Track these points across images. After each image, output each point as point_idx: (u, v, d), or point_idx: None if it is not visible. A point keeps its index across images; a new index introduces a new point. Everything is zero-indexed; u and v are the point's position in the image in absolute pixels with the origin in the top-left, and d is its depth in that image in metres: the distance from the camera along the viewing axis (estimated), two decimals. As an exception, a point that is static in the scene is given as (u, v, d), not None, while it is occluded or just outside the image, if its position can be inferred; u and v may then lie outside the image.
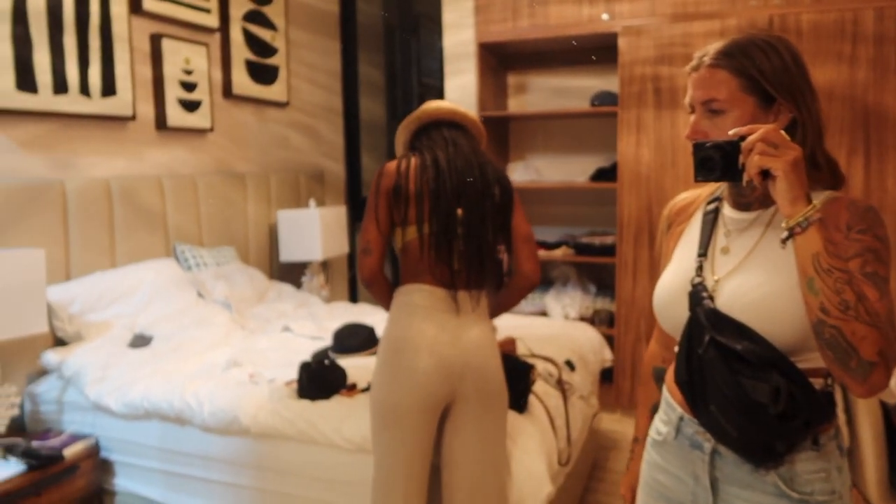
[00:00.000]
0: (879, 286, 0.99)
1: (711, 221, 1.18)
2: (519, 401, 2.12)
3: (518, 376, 2.13)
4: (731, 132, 1.03)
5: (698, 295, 1.11)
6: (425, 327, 1.81)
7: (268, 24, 3.96)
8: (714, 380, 1.04)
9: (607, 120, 3.96)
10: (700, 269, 1.14)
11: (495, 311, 2.00)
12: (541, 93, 4.35)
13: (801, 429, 1.03)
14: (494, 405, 1.86)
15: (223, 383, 2.34)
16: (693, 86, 1.12)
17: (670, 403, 1.22)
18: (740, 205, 1.16)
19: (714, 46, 1.12)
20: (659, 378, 1.36)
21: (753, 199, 1.13)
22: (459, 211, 1.85)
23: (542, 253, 4.07)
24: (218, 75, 3.63)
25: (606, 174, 3.92)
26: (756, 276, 1.08)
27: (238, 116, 3.81)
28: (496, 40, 3.91)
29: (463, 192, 1.86)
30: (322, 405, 2.16)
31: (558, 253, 4.04)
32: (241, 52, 3.74)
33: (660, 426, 1.25)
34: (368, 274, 1.89)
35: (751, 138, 0.98)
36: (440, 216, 1.84)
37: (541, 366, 2.47)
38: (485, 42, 3.92)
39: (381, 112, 5.35)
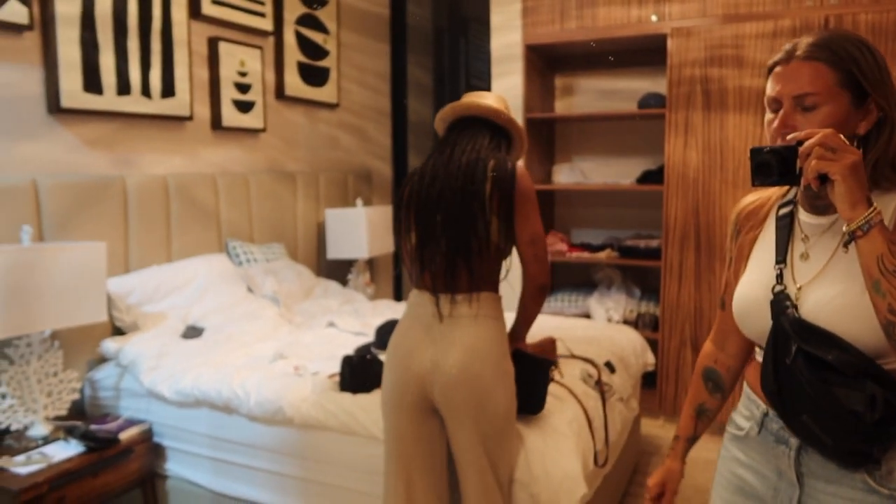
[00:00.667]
0: None
1: (787, 227, 1.16)
2: (530, 401, 2.04)
3: (531, 375, 2.04)
4: (789, 137, 1.03)
5: (781, 304, 1.10)
6: (410, 331, 1.90)
7: (320, 27, 4.06)
8: (804, 389, 1.03)
9: (654, 122, 3.93)
10: (780, 276, 1.13)
11: (521, 318, 2.03)
12: (588, 94, 4.34)
13: (893, 434, 1.02)
14: (479, 412, 1.82)
15: (269, 375, 2.42)
16: (781, 80, 1.09)
17: (753, 399, 1.22)
18: (817, 208, 1.14)
19: (805, 40, 1.09)
20: (709, 379, 1.37)
21: (830, 202, 1.05)
22: (440, 217, 1.86)
23: (586, 255, 4.07)
24: (271, 77, 3.75)
25: (653, 176, 3.89)
26: (839, 283, 1.06)
27: (289, 117, 3.92)
28: (543, 42, 3.92)
29: (444, 197, 1.86)
30: (362, 398, 2.22)
31: (602, 255, 4.03)
32: (293, 55, 3.85)
33: (741, 422, 1.25)
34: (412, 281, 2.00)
35: (809, 142, 0.98)
36: (420, 224, 1.90)
37: (580, 367, 2.47)
38: (531, 44, 3.94)
39: (429, 114, 5.41)
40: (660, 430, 3.63)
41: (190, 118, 3.18)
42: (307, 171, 4.04)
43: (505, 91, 3.97)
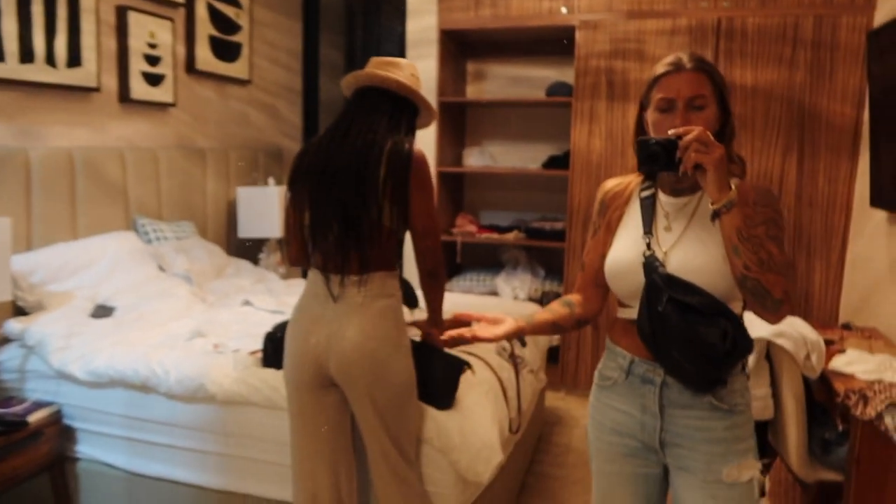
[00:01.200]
0: (780, 245, 1.30)
1: (651, 206, 1.43)
2: (442, 398, 2.08)
3: (445, 373, 2.10)
4: (670, 132, 1.27)
5: (652, 264, 1.36)
6: (307, 310, 1.93)
7: (233, 0, 3.97)
8: (675, 329, 1.29)
9: (561, 110, 4.12)
10: (649, 244, 1.39)
11: (427, 305, 2.07)
12: (498, 81, 4.48)
13: (738, 359, 1.34)
14: (375, 386, 1.85)
15: (188, 352, 2.41)
16: (676, 85, 1.34)
17: (619, 353, 1.48)
18: (676, 191, 1.42)
19: (688, 54, 1.37)
20: (566, 304, 1.56)
21: (687, 186, 1.41)
22: (333, 199, 1.84)
23: (494, 236, 4.22)
24: (182, 50, 3.64)
25: (558, 162, 4.08)
26: (695, 247, 1.36)
27: (200, 92, 3.82)
28: (458, 28, 4.01)
29: (337, 180, 1.83)
30: (287, 374, 2.25)
31: (510, 237, 4.19)
32: (205, 28, 3.75)
33: (608, 373, 1.50)
34: (289, 261, 2.05)
35: (687, 138, 1.23)
36: (314, 204, 1.88)
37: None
38: (447, 29, 4.02)
39: (340, 93, 5.39)
40: (561, 402, 3.85)
41: (97, 89, 3.05)
42: (217, 148, 3.96)
43: (420, 74, 4.03)
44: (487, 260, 4.51)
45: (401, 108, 1.96)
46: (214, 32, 3.83)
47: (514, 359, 2.56)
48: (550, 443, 3.35)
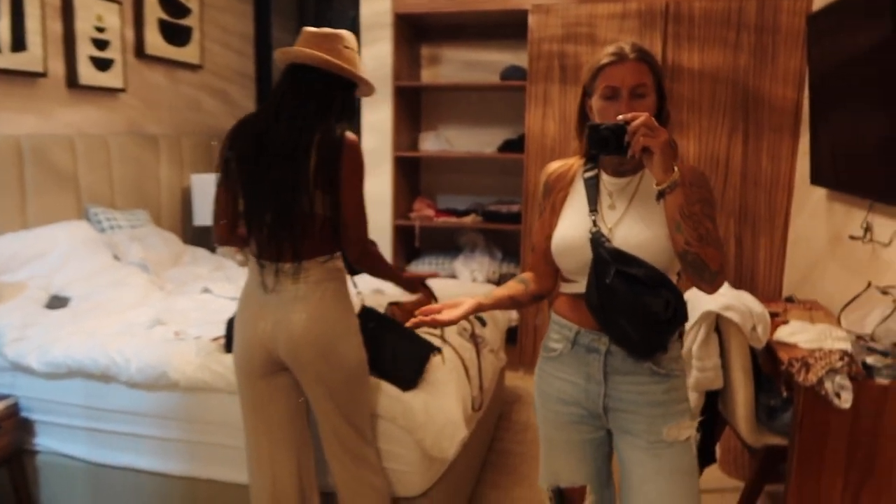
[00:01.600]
0: (713, 221, 1.40)
1: (594, 186, 1.52)
2: (407, 379, 2.12)
3: (412, 354, 2.12)
4: (619, 118, 1.34)
5: (599, 240, 1.45)
6: (251, 297, 1.94)
7: (181, -17, 3.90)
8: (621, 300, 1.39)
9: (516, 93, 4.17)
10: (595, 221, 1.47)
11: (382, 277, 2.09)
12: (453, 65, 4.50)
13: (678, 326, 1.44)
14: (325, 369, 1.86)
15: (149, 340, 2.39)
16: (620, 74, 1.41)
17: (564, 324, 1.56)
18: (618, 172, 1.52)
19: (629, 44, 1.44)
20: (521, 281, 1.65)
21: (629, 168, 1.50)
22: (265, 188, 1.81)
23: (452, 220, 4.26)
24: (130, 34, 3.56)
25: (514, 145, 4.14)
26: (638, 223, 1.46)
27: (150, 77, 3.75)
28: (412, 11, 4.02)
29: (270, 168, 1.79)
30: (251, 359, 2.26)
31: (467, 220, 4.24)
32: (154, 12, 3.67)
33: (553, 345, 1.59)
34: (217, 239, 2.04)
35: (635, 123, 1.30)
36: (247, 191, 1.85)
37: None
38: (401, 13, 4.02)
39: (294, 78, 5.33)
40: (520, 381, 3.94)
41: (43, 74, 2.97)
42: (170, 135, 3.89)
43: (374, 59, 4.03)
44: (445, 244, 4.56)
45: (334, 85, 1.86)
46: (164, 16, 3.76)
47: (475, 338, 2.61)
48: (510, 420, 3.44)
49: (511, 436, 3.27)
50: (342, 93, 1.89)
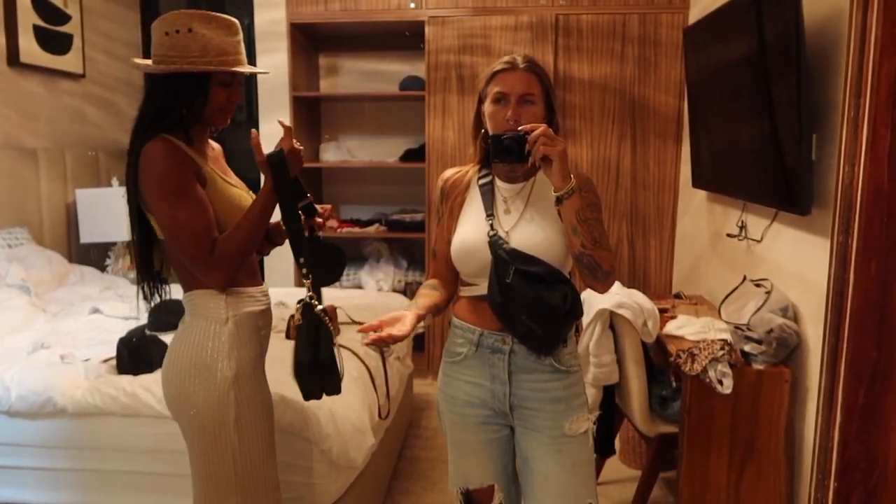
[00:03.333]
0: (602, 225, 1.49)
1: (489, 192, 1.59)
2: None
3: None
4: (520, 129, 1.42)
5: (497, 242, 1.51)
6: None
7: (58, -12, 3.70)
8: (522, 296, 1.45)
9: (415, 103, 4.21)
10: (492, 225, 1.53)
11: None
12: (352, 75, 4.50)
13: (576, 318, 1.52)
14: (176, 413, 1.70)
15: (31, 366, 2.25)
16: (511, 81, 1.49)
17: (466, 328, 1.60)
18: (510, 179, 1.59)
19: (521, 55, 1.53)
20: (433, 288, 1.64)
21: (520, 175, 1.58)
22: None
23: (356, 230, 4.24)
24: (2, 41, 3.34)
25: (415, 154, 4.17)
26: (533, 225, 1.53)
27: (26, 87, 3.53)
28: (307, 21, 3.98)
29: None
30: (145, 379, 2.17)
31: (371, 230, 4.24)
32: (28, 17, 3.46)
33: (457, 349, 1.62)
34: None
35: (535, 133, 1.38)
36: None
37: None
38: (296, 22, 3.98)
39: (187, 88, 5.17)
40: (429, 388, 3.96)
41: None
42: (50, 148, 3.67)
43: (271, 68, 3.96)
44: (350, 254, 4.52)
45: (175, 84, 1.56)
46: (40, 22, 3.55)
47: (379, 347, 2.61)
48: (420, 427, 3.45)
49: (421, 442, 3.28)
50: (187, 92, 1.57)
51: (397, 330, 1.43)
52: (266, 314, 1.76)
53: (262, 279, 1.79)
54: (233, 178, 1.76)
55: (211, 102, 1.59)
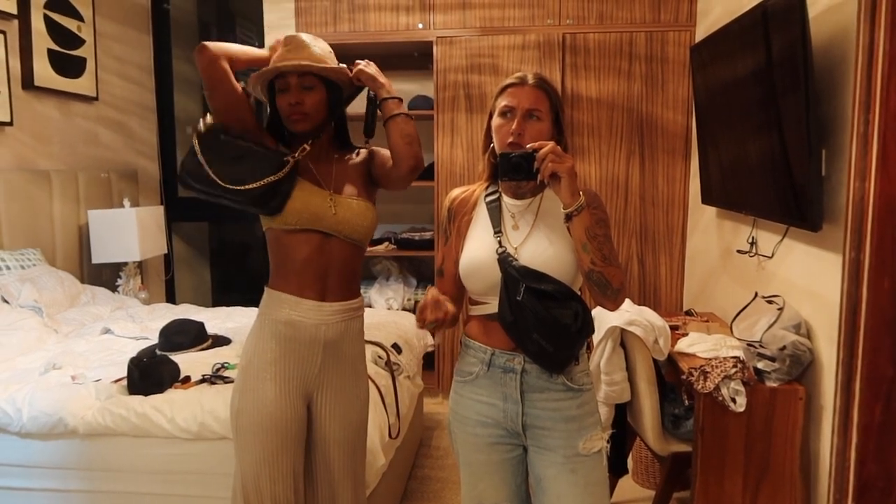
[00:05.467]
0: (611, 241, 1.48)
1: (497, 209, 1.58)
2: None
3: None
4: (528, 146, 1.43)
5: (506, 260, 1.50)
6: None
7: (73, 12, 3.75)
8: (533, 315, 1.43)
9: (424, 123, 4.22)
10: (500, 242, 1.53)
11: None
12: (361, 96, 4.51)
13: (588, 336, 1.50)
14: None
15: (43, 386, 2.25)
16: (518, 96, 1.50)
17: (478, 347, 1.59)
18: (518, 195, 1.59)
19: (531, 72, 1.54)
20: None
21: (528, 191, 1.58)
22: None
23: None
24: (17, 65, 3.39)
25: (423, 173, 4.15)
26: (542, 242, 1.52)
27: (40, 110, 3.58)
28: (317, 43, 4.02)
29: None
30: (156, 399, 2.17)
31: (380, 248, 4.24)
32: (43, 42, 3.51)
33: (468, 368, 1.61)
34: None
35: (544, 150, 1.39)
36: None
37: (370, 349, 2.64)
38: (306, 44, 4.01)
39: (198, 109, 5.22)
40: (439, 407, 3.94)
41: (-80, 109, 2.79)
42: (64, 170, 3.71)
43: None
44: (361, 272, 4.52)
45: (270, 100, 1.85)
46: (54, 46, 3.60)
47: (389, 366, 2.61)
48: (431, 447, 3.43)
49: (432, 462, 3.26)
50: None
51: (450, 307, 1.46)
52: (304, 327, 1.76)
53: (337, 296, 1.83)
54: (346, 189, 1.86)
55: (280, 111, 1.77)
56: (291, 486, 1.76)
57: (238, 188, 1.67)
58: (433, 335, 1.64)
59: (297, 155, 1.73)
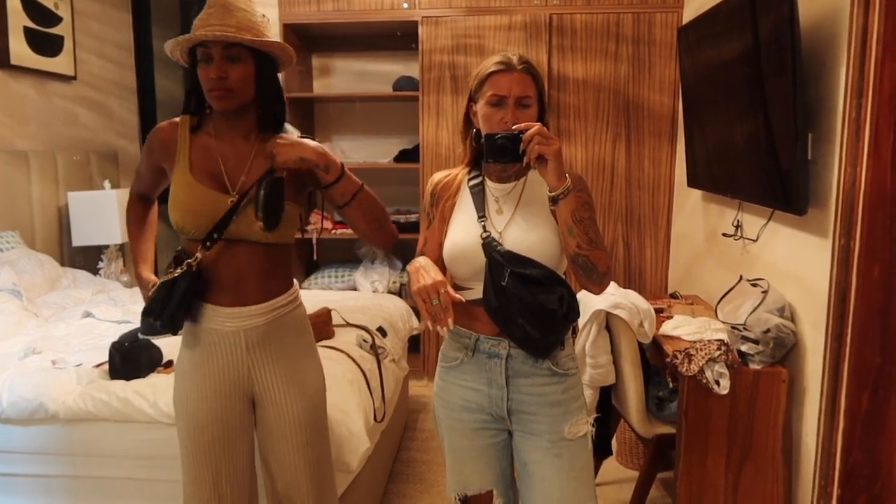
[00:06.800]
0: (596, 225, 1.46)
1: (480, 193, 1.56)
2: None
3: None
4: (514, 127, 1.39)
5: (491, 244, 1.48)
6: None
7: (48, -11, 3.67)
8: (518, 300, 1.42)
9: (409, 104, 4.19)
10: (484, 226, 1.51)
11: None
12: (345, 76, 4.48)
13: (573, 321, 1.49)
14: None
15: (22, 371, 2.22)
16: (507, 83, 1.46)
17: (462, 333, 1.57)
18: (502, 179, 1.57)
19: (516, 55, 1.49)
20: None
21: (512, 174, 1.56)
22: None
23: (350, 231, 4.22)
24: (-9, 43, 3.32)
25: (409, 155, 4.15)
26: (526, 226, 1.51)
27: (17, 89, 3.50)
28: (300, 22, 3.96)
29: None
30: (138, 383, 2.14)
31: (367, 231, 4.21)
32: (18, 19, 3.43)
33: (453, 354, 1.60)
34: None
35: (530, 132, 1.36)
36: None
37: (355, 333, 2.63)
38: (289, 23, 3.96)
39: (179, 90, 5.13)
40: (424, 390, 3.94)
41: None
42: (42, 151, 3.64)
43: (263, 69, 3.93)
44: (344, 255, 4.51)
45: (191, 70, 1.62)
46: (30, 24, 3.52)
47: (374, 349, 2.60)
48: (416, 429, 3.43)
49: (417, 444, 3.26)
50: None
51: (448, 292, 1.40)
52: (223, 334, 1.64)
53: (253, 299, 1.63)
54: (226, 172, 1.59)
55: (202, 83, 1.52)
56: (212, 490, 1.67)
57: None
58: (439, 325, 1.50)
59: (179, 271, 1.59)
